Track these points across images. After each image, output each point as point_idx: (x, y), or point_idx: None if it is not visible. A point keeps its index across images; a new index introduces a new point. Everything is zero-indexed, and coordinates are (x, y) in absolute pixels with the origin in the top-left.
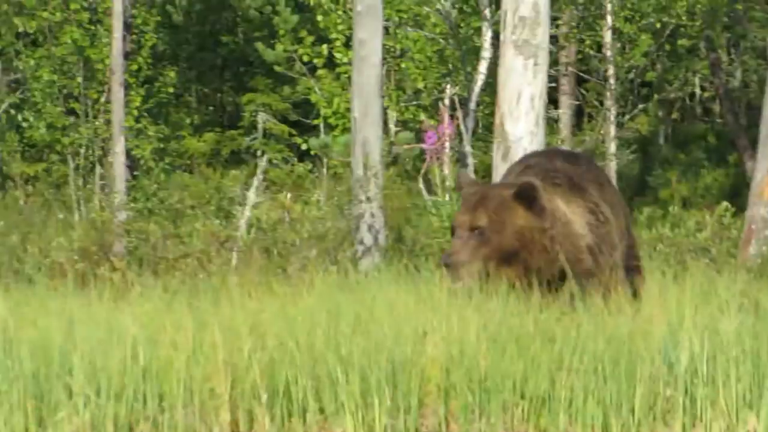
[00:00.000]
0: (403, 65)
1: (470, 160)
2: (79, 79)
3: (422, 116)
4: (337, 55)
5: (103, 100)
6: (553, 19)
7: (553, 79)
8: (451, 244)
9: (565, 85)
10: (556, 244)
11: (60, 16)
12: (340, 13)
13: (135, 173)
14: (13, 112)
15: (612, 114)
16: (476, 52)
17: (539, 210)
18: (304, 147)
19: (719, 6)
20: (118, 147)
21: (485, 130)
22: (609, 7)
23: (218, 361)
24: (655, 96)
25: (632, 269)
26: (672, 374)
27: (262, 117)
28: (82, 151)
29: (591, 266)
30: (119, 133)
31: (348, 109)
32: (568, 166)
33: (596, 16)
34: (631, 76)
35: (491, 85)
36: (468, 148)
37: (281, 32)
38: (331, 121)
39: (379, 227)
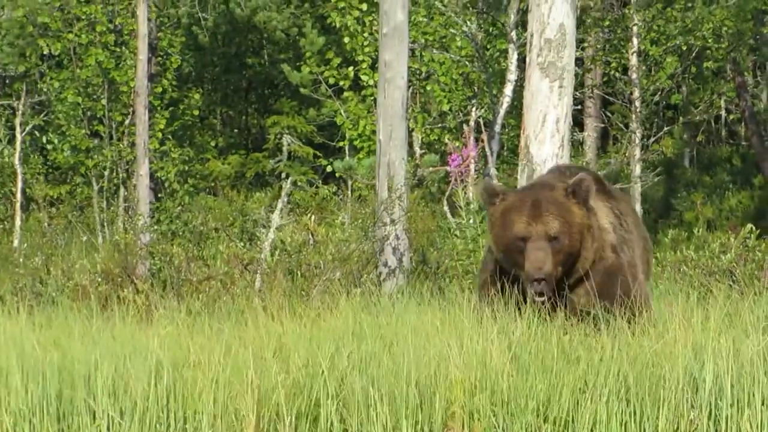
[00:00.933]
0: (428, 87)
1: (495, 183)
2: (104, 101)
3: (447, 139)
4: (363, 78)
5: (127, 122)
6: (579, 42)
7: (578, 101)
8: (532, 256)
9: (591, 107)
10: (595, 240)
11: (85, 38)
12: (366, 35)
13: (159, 195)
14: (37, 134)
15: (637, 136)
16: (502, 74)
17: (589, 205)
18: (328, 169)
19: (745, 28)
20: (143, 169)
21: (510, 153)
22: (635, 29)
23: (245, 382)
24: (681, 118)
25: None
26: (696, 397)
27: (286, 139)
28: (106, 173)
29: (614, 262)
30: (143, 156)
31: (373, 132)
32: (599, 177)
33: (622, 39)
34: (657, 98)
35: (516, 108)
36: (493, 171)
37: (307, 54)
38: (357, 143)
39: (404, 249)
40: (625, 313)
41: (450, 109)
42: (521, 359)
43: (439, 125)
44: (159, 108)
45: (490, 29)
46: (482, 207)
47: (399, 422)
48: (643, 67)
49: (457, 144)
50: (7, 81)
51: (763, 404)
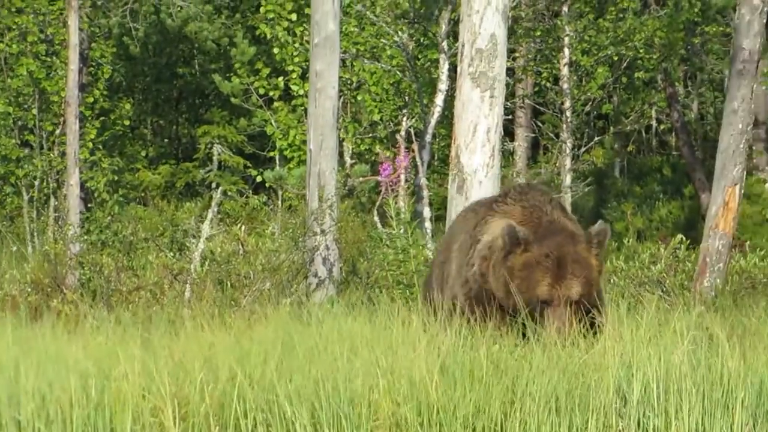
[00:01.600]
0: (359, 97)
1: (425, 193)
2: (35, 111)
3: (378, 148)
4: (294, 88)
5: (58, 132)
6: (510, 52)
7: (509, 111)
8: (554, 324)
9: (522, 117)
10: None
11: (16, 48)
12: (296, 45)
13: (89, 205)
14: None
15: (568, 146)
16: (433, 84)
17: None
18: (259, 179)
19: (676, 39)
20: (73, 179)
21: (441, 163)
22: (566, 39)
23: (167, 393)
24: (611, 128)
25: None
26: (625, 407)
27: (217, 149)
28: (37, 183)
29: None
30: (74, 165)
31: (304, 142)
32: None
33: (553, 49)
34: (588, 108)
35: (447, 118)
36: (423, 181)
37: (238, 64)
38: (287, 153)
39: (334, 259)
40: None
41: (381, 119)
42: (450, 370)
43: (370, 135)
44: (90, 118)
45: (422, 39)
46: (505, 248)
47: None
48: (574, 77)
49: (387, 154)
50: None
51: (690, 414)
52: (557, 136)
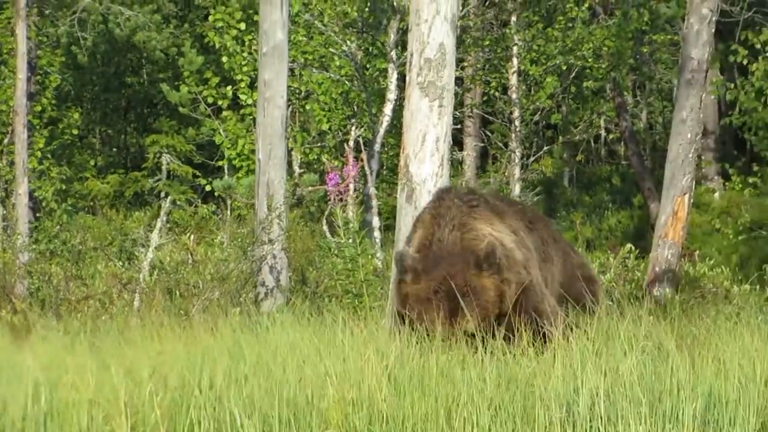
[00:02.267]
0: (308, 107)
1: (375, 202)
2: None
3: (325, 158)
4: (242, 97)
5: (6, 141)
6: (459, 61)
7: (458, 120)
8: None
9: (470, 126)
10: (512, 282)
11: None
12: (245, 54)
13: (38, 215)
14: None
15: (517, 156)
16: (381, 93)
17: (501, 264)
18: (208, 188)
19: (625, 48)
20: (21, 188)
21: (390, 172)
22: (515, 49)
23: (119, 403)
24: (560, 138)
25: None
26: (571, 416)
27: (165, 158)
28: None
29: (527, 281)
30: (22, 175)
31: (252, 151)
32: (496, 193)
33: (502, 58)
34: (536, 117)
35: (396, 127)
36: (372, 190)
37: (186, 73)
38: (236, 162)
39: (282, 269)
40: (536, 326)
41: (329, 129)
42: (398, 378)
43: (319, 144)
44: (38, 127)
45: (370, 49)
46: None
47: None
48: (523, 87)
49: (336, 163)
50: None
51: (639, 424)
52: (506, 145)
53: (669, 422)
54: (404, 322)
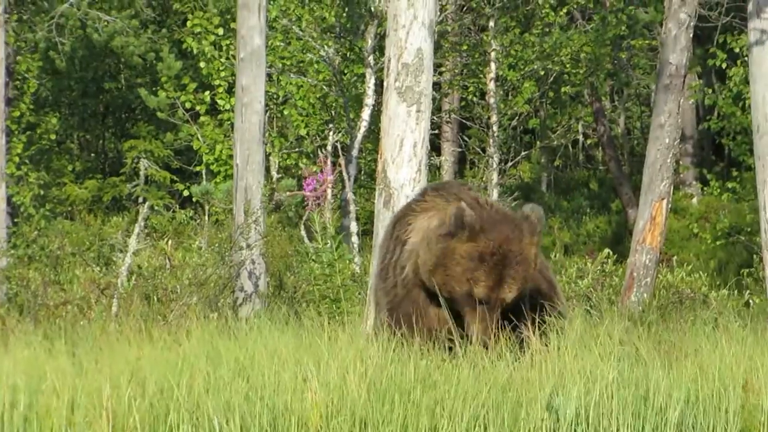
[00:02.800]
0: (285, 112)
1: (352, 207)
2: None
3: (303, 163)
4: (220, 102)
5: None
6: (437, 66)
7: (435, 125)
8: (482, 323)
9: (448, 131)
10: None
11: None
12: (223, 60)
13: (15, 220)
14: None
15: (494, 161)
16: (359, 99)
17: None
18: (185, 194)
19: (603, 54)
20: None
21: (367, 177)
22: (492, 54)
23: (101, 407)
24: (538, 143)
25: None
26: (557, 423)
27: (143, 164)
28: None
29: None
30: (0, 180)
31: (230, 156)
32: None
33: (480, 63)
34: (514, 123)
35: (374, 132)
36: (350, 195)
37: (164, 79)
38: (213, 167)
39: (260, 274)
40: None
41: (307, 134)
42: (378, 384)
43: (297, 150)
44: (16, 132)
45: (348, 54)
46: (449, 229)
47: None
48: (501, 92)
49: (314, 168)
50: None
51: (618, 431)
52: (484, 150)
53: (653, 427)
54: (393, 323)
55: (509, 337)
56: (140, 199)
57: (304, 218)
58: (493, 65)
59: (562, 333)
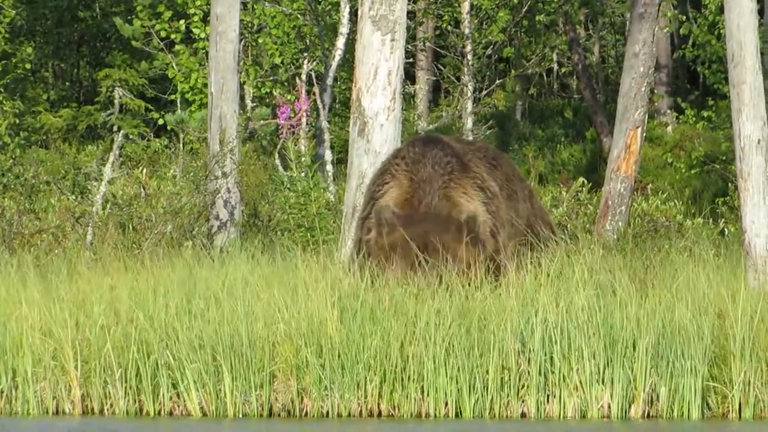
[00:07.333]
0: (260, 40)
1: (327, 136)
2: None
3: (277, 92)
4: (195, 31)
5: None
6: None
7: (410, 54)
8: None
9: (423, 60)
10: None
11: None
12: None
13: None
14: None
15: (469, 89)
16: (334, 27)
17: (480, 237)
18: (160, 122)
19: None
20: None
21: (342, 106)
22: None
23: (67, 338)
24: (513, 71)
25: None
26: (525, 350)
27: (118, 92)
28: None
29: (493, 247)
30: None
31: (205, 85)
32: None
33: None
34: (489, 51)
35: (348, 61)
36: (325, 124)
37: (139, 7)
38: (188, 96)
39: (235, 202)
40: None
41: (282, 63)
42: (351, 311)
43: (271, 78)
44: None
45: None
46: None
47: (221, 376)
48: (476, 21)
49: (288, 97)
50: None
51: (591, 359)
52: (458, 79)
53: (621, 357)
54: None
55: (488, 271)
56: (115, 128)
57: (279, 147)
58: None
59: (539, 265)
